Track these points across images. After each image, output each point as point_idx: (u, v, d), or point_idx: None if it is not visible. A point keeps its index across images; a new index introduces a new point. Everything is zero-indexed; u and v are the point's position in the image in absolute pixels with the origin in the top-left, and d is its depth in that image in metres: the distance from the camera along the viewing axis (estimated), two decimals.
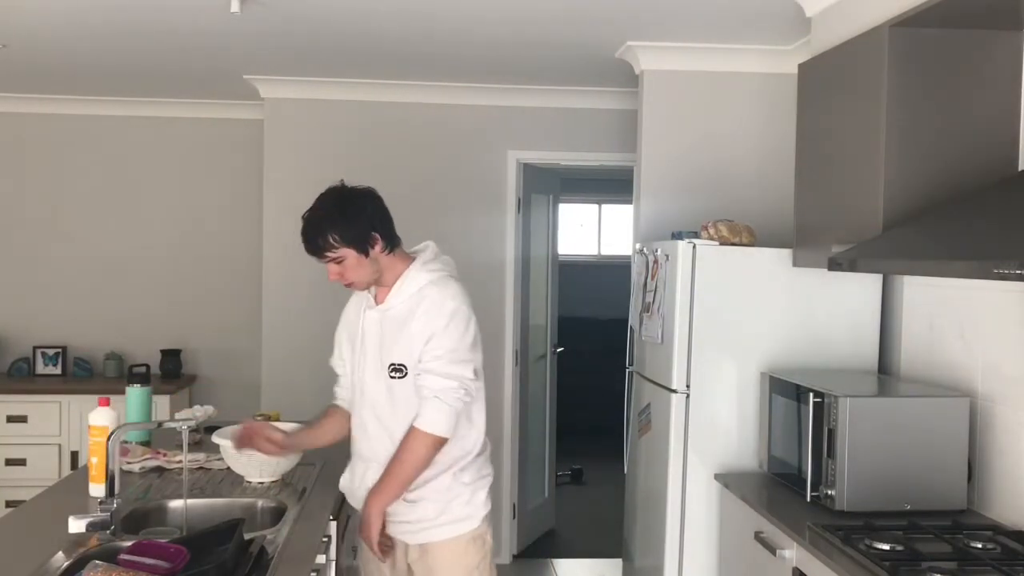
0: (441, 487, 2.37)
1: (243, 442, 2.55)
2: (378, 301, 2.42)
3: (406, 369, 2.32)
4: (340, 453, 3.11)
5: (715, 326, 3.10)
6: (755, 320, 3.11)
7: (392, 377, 2.34)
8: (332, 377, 2.73)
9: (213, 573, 1.87)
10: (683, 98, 3.92)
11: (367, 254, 2.33)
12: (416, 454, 2.30)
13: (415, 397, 2.32)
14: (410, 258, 2.42)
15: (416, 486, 2.34)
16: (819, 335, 3.11)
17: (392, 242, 2.38)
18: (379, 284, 2.41)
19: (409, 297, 2.35)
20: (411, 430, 2.30)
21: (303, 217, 2.35)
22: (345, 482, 2.56)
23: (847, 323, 3.11)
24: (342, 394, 2.59)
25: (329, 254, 2.31)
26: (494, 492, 2.54)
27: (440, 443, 2.30)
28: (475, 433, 2.43)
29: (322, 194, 2.38)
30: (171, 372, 5.14)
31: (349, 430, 2.54)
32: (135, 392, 3.08)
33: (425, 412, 2.29)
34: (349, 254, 2.31)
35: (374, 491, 2.34)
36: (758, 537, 2.61)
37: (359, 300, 2.51)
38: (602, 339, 6.39)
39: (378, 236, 2.34)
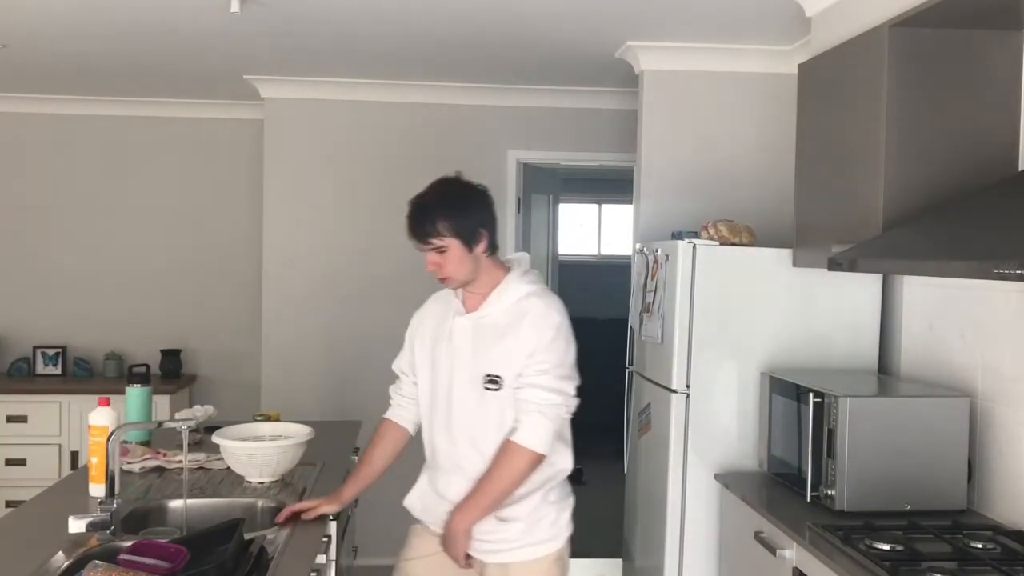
0: (530, 506, 2.27)
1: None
2: (468, 308, 2.31)
3: (502, 381, 2.22)
4: (341, 453, 3.12)
5: (715, 326, 3.10)
6: (755, 320, 3.11)
7: (487, 388, 2.23)
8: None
9: (213, 573, 1.87)
10: (683, 98, 3.92)
11: (471, 250, 2.23)
12: (515, 470, 2.20)
13: (508, 410, 2.22)
14: (505, 267, 2.34)
15: (508, 503, 2.25)
16: (819, 335, 3.11)
17: (494, 246, 2.31)
18: (470, 288, 2.30)
19: (507, 307, 2.26)
20: (509, 445, 2.20)
21: (412, 201, 2.27)
22: (416, 497, 2.42)
23: (847, 323, 3.10)
24: (401, 402, 2.47)
25: (434, 241, 2.21)
26: None
27: (539, 460, 2.21)
28: (567, 453, 2.35)
29: (436, 182, 2.32)
30: (171, 372, 5.14)
31: (405, 445, 2.46)
32: (135, 392, 3.08)
33: (527, 427, 2.19)
34: (454, 245, 2.21)
35: (463, 507, 2.24)
36: (758, 537, 2.61)
37: (441, 306, 2.39)
38: (602, 339, 6.38)
39: (485, 235, 2.26)
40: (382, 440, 2.46)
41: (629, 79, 4.18)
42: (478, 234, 2.24)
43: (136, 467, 2.84)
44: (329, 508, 2.41)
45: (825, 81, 2.93)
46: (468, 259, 2.24)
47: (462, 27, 3.62)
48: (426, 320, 2.42)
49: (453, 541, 2.25)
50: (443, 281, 2.29)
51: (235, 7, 3.14)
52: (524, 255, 2.42)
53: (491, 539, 2.27)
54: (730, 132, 3.91)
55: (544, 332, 2.23)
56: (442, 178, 2.34)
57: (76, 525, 2.17)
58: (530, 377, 2.21)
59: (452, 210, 2.23)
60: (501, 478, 2.21)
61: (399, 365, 2.48)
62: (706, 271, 3.09)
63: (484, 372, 2.24)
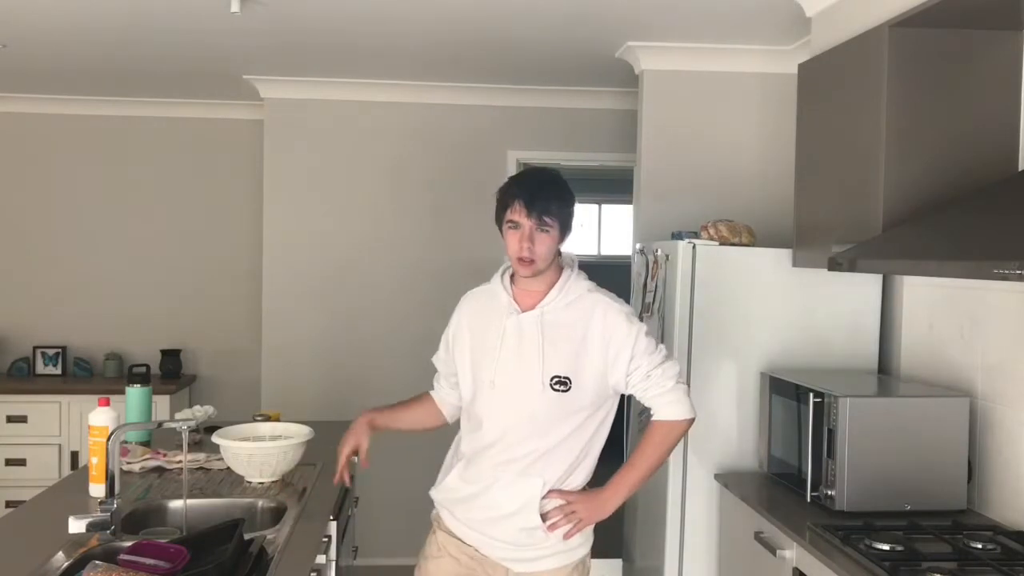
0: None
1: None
2: (524, 306, 2.25)
3: (571, 383, 2.18)
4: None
5: (715, 326, 3.10)
6: (755, 320, 3.11)
7: (555, 389, 2.18)
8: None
9: (213, 573, 1.87)
10: (683, 98, 3.92)
11: (561, 241, 2.23)
12: (675, 443, 2.27)
13: (573, 412, 2.20)
14: (559, 266, 2.30)
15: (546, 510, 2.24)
16: (819, 335, 3.11)
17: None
18: (529, 283, 2.25)
19: (569, 304, 2.23)
20: (667, 424, 2.23)
21: (526, 177, 2.25)
22: (447, 490, 2.33)
23: (847, 323, 3.10)
24: (441, 395, 2.46)
25: (547, 219, 2.17)
26: None
27: (691, 424, 2.29)
28: (597, 457, 2.32)
29: (542, 169, 2.31)
30: (171, 372, 5.14)
31: (439, 424, 2.48)
32: (135, 392, 3.08)
33: (678, 401, 2.23)
34: (555, 230, 2.19)
35: (618, 484, 2.24)
36: (758, 537, 2.61)
37: (482, 305, 2.33)
38: None
39: (570, 233, 2.28)
40: (422, 405, 2.48)
41: (629, 79, 4.18)
42: (571, 230, 2.26)
43: (136, 467, 2.84)
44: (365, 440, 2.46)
45: (825, 81, 2.93)
46: (555, 248, 2.23)
47: (462, 27, 3.62)
48: (464, 319, 2.35)
49: (599, 514, 2.24)
50: (527, 263, 2.20)
51: (235, 7, 3.14)
52: (573, 255, 2.38)
53: (528, 543, 2.23)
54: (730, 132, 3.91)
55: (629, 328, 2.21)
56: (544, 168, 2.34)
57: (76, 525, 2.17)
58: (646, 368, 2.21)
59: (566, 198, 2.23)
60: (662, 454, 2.25)
61: (435, 361, 2.46)
62: (706, 271, 3.09)
63: (552, 373, 2.19)
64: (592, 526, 2.30)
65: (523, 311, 2.24)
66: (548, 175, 2.27)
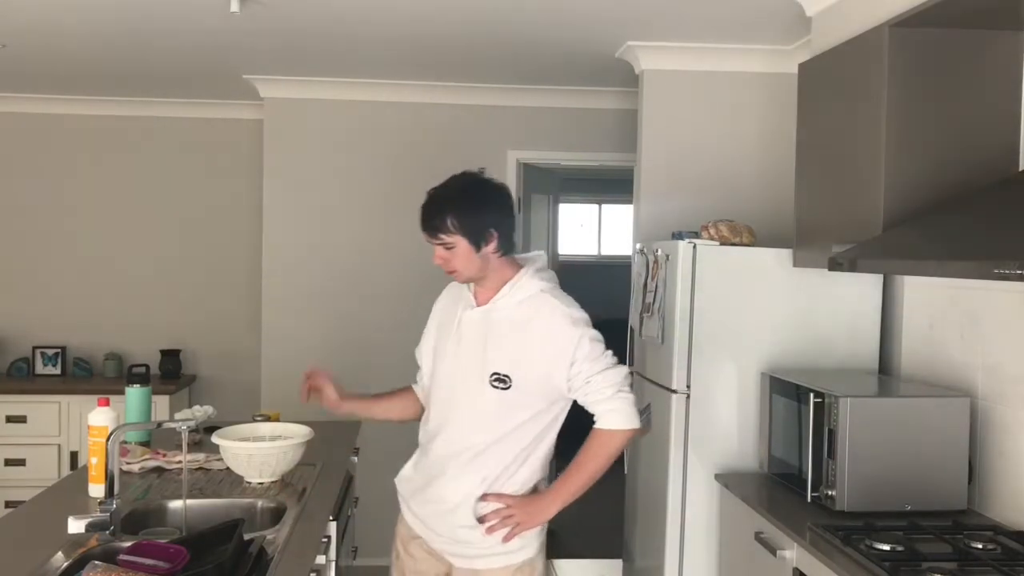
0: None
1: (309, 385, 2.46)
2: (479, 301, 2.28)
3: (511, 381, 2.17)
4: (341, 453, 3.12)
5: (715, 326, 3.10)
6: (755, 320, 3.11)
7: (494, 386, 2.19)
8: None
9: (213, 573, 1.87)
10: (683, 98, 3.92)
11: (479, 249, 2.19)
12: (614, 452, 2.21)
13: (513, 410, 2.19)
14: (518, 265, 2.29)
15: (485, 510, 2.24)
16: (819, 335, 3.11)
17: (508, 247, 2.25)
18: (480, 284, 2.28)
19: (519, 303, 2.22)
20: (605, 433, 2.19)
21: (428, 192, 2.25)
22: (406, 479, 2.41)
23: (847, 323, 3.10)
24: (419, 388, 2.49)
25: (443, 237, 2.19)
26: None
27: (634, 435, 2.23)
28: (548, 455, 2.31)
29: (455, 175, 2.28)
30: (171, 372, 5.14)
31: (413, 415, 2.49)
32: (135, 392, 3.07)
33: (618, 410, 2.18)
34: (461, 243, 2.19)
35: (557, 489, 2.23)
36: (758, 537, 2.61)
37: (455, 297, 2.38)
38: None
39: (496, 236, 2.20)
40: (399, 397, 2.51)
41: (629, 79, 4.18)
42: (487, 235, 2.20)
43: (136, 467, 2.84)
44: (331, 393, 2.44)
45: (825, 81, 2.93)
46: (475, 258, 2.21)
47: (462, 27, 3.62)
48: (438, 309, 2.44)
49: (536, 519, 2.23)
50: (450, 274, 2.28)
51: (235, 7, 3.14)
52: (540, 254, 2.37)
53: (467, 540, 2.25)
54: (730, 132, 3.91)
55: (572, 331, 2.18)
56: (463, 172, 2.31)
57: (76, 525, 2.17)
58: (587, 373, 2.18)
59: (463, 208, 2.19)
60: (600, 463, 2.21)
61: (416, 353, 2.49)
62: (706, 271, 3.09)
63: (492, 370, 2.20)
64: (538, 530, 2.29)
65: (478, 306, 2.28)
66: (447, 189, 2.25)
